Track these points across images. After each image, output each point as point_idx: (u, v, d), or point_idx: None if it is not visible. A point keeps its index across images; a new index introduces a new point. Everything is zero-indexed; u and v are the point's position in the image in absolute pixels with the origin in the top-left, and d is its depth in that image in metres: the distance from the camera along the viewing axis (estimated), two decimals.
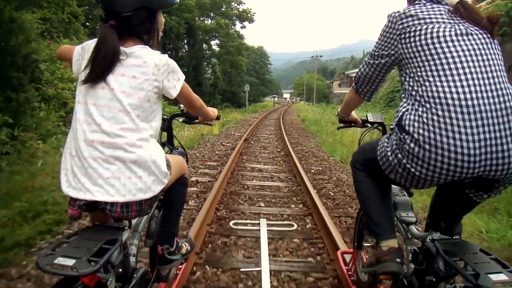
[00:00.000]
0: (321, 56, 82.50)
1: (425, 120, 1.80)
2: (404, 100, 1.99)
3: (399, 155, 1.92)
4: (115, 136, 1.87)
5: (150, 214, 2.56)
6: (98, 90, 1.91)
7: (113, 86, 1.90)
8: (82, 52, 2.03)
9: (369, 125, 3.09)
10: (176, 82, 2.09)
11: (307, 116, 32.63)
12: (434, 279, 1.98)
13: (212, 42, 52.02)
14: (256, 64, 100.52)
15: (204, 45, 50.48)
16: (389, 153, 2.01)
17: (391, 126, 2.65)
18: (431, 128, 1.78)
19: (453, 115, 1.75)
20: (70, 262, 1.54)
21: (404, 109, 1.94)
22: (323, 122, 24.38)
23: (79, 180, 1.85)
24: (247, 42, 58.99)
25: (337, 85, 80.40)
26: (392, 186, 2.70)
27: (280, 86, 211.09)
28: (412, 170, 1.87)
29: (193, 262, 3.96)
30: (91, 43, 2.00)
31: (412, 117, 1.86)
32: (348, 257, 3.71)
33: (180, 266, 3.35)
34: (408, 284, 2.27)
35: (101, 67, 1.89)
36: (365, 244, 3.28)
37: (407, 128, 1.87)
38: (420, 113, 1.83)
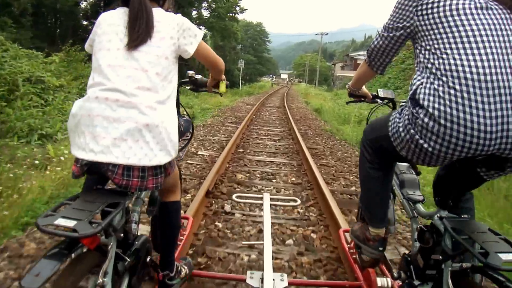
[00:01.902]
0: (327, 33, 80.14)
1: (441, 94, 1.74)
2: (418, 73, 1.93)
3: (412, 131, 1.87)
4: (131, 96, 1.83)
5: None
6: (112, 52, 1.89)
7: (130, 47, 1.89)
8: (102, 24, 2.03)
9: (379, 100, 3.04)
10: (192, 38, 2.09)
11: (322, 105, 23.32)
12: (440, 258, 1.95)
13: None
14: (254, 41, 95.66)
15: (194, 12, 41.05)
16: (401, 129, 1.96)
17: (401, 104, 2.61)
18: (447, 102, 1.72)
19: (470, 89, 1.69)
20: (70, 223, 1.51)
21: (418, 82, 1.88)
22: (355, 118, 15.28)
23: (85, 139, 1.81)
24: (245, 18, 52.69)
25: (339, 67, 79.18)
26: (400, 164, 2.67)
27: (278, 67, 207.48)
28: (425, 146, 1.82)
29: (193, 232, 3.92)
30: (112, 15, 2.03)
31: (427, 90, 1.80)
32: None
33: (181, 237, 3.34)
34: (413, 262, 2.24)
35: (143, 34, 1.92)
36: None
37: (421, 102, 1.81)
38: (436, 87, 1.77)
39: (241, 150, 9.02)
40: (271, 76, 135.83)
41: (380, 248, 2.48)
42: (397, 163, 2.69)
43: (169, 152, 1.96)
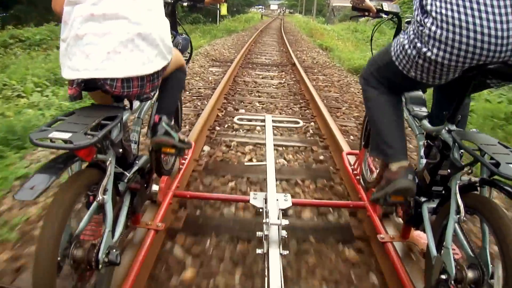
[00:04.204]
0: None
1: None
2: None
3: (418, 44, 1.79)
4: (118, 7, 1.72)
5: (152, 101, 2.47)
6: None
7: None
8: None
9: (383, 15, 2.92)
10: None
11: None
12: (449, 171, 1.90)
13: None
14: None
15: None
16: (406, 46, 1.88)
17: (407, 20, 2.50)
18: (454, 7, 1.63)
19: None
20: (65, 135, 1.46)
21: None
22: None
23: (77, 60, 1.71)
24: None
25: None
26: None
27: None
28: (433, 57, 1.74)
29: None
30: None
31: None
32: (352, 159, 3.69)
33: (183, 161, 3.32)
34: (419, 179, 2.21)
35: None
36: None
37: (428, 8, 1.72)
38: None
39: None
40: (260, 7, 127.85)
41: (410, 176, 2.07)
42: None
43: (165, 56, 1.91)
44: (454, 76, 1.83)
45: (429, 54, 1.75)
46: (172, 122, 2.38)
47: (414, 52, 1.83)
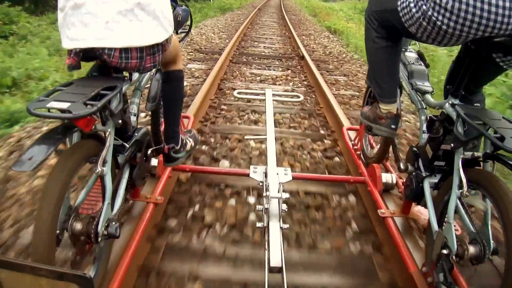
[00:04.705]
0: None
1: None
2: None
3: (424, 7, 1.75)
4: None
5: (151, 73, 2.44)
6: None
7: None
8: None
9: None
10: None
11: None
12: (451, 145, 1.88)
13: None
14: None
15: None
16: (412, 4, 1.83)
17: None
18: None
19: None
20: (64, 105, 1.43)
21: None
22: None
23: (76, 29, 1.67)
24: None
25: None
26: (408, 55, 2.56)
27: None
28: (438, 23, 1.71)
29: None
30: None
31: None
32: (352, 134, 3.67)
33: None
34: (421, 154, 2.19)
35: None
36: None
37: None
38: None
39: None
40: None
41: (393, 126, 2.39)
42: (405, 53, 2.58)
43: (166, 28, 1.87)
44: (457, 43, 1.81)
45: (434, 18, 1.71)
46: (179, 145, 2.54)
47: (419, 13, 1.79)
